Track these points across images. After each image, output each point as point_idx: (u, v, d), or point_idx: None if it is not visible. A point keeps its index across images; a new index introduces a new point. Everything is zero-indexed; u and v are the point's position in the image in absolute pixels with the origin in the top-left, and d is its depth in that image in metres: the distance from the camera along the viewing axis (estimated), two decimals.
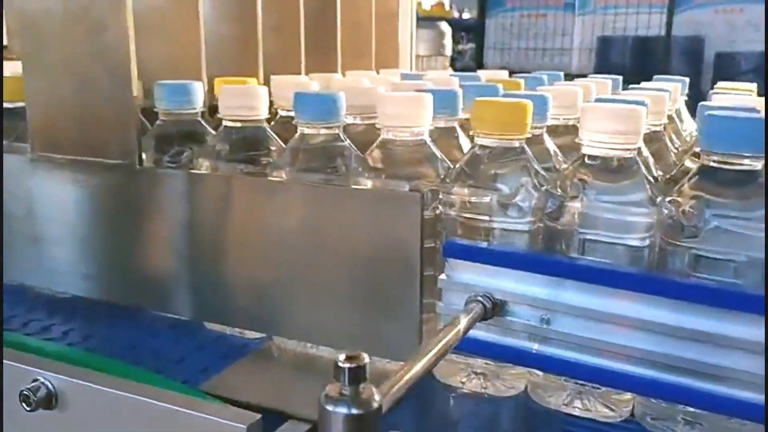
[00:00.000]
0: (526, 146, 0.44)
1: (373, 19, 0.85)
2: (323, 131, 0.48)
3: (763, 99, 0.62)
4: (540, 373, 0.44)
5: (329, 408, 0.26)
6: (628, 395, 0.43)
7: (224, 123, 0.52)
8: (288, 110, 0.56)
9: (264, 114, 0.52)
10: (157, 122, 0.55)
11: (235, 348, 0.52)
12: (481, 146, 0.44)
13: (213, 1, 0.61)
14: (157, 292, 0.54)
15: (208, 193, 0.50)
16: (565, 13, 4.44)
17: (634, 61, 3.93)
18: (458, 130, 0.53)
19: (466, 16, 4.44)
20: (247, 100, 0.51)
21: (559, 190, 0.41)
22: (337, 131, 0.49)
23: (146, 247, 0.54)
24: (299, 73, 0.73)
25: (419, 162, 0.47)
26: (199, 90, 0.55)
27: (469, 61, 4.11)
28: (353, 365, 0.26)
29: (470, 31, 4.29)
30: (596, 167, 0.40)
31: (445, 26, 1.88)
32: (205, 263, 0.52)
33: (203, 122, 0.56)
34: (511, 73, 0.83)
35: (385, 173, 0.47)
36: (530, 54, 4.36)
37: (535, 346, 0.40)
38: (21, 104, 0.63)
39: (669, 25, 3.91)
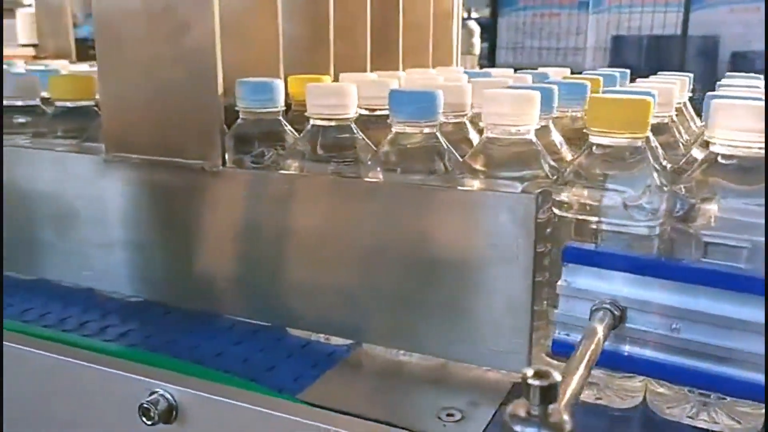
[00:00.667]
0: (645, 145, 0.42)
1: (431, 19, 0.84)
2: (417, 130, 0.47)
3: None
4: (659, 382, 0.42)
5: (517, 429, 0.24)
6: (759, 408, 0.41)
7: (312, 122, 0.50)
8: (369, 108, 0.54)
9: (353, 113, 0.50)
10: (238, 121, 0.53)
11: (322, 356, 0.50)
12: (599, 146, 0.42)
13: (286, 1, 0.59)
14: (240, 298, 0.53)
15: (298, 195, 0.49)
16: (579, 12, 4.41)
17: (648, 60, 3.90)
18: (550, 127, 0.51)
19: (474, 15, 4.42)
20: (338, 99, 0.49)
21: (682, 189, 0.40)
22: (434, 130, 0.47)
23: (228, 251, 0.52)
24: (365, 72, 0.72)
25: (525, 162, 0.45)
26: (281, 88, 0.53)
27: (481, 61, 4.09)
28: (545, 384, 0.24)
29: (482, 31, 4.26)
30: (731, 167, 0.38)
31: (474, 25, 1.86)
32: (291, 268, 0.50)
33: (283, 121, 0.54)
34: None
35: (486, 174, 0.45)
36: (543, 53, 4.34)
37: (663, 356, 0.39)
38: (89, 103, 0.62)
39: (685, 24, 3.88)
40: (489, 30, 4.18)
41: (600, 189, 0.41)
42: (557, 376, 0.24)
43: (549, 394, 0.24)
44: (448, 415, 0.42)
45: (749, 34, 3.75)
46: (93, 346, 0.48)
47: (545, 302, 0.44)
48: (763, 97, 0.51)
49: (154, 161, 0.53)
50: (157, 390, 0.34)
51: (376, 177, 0.47)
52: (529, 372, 0.25)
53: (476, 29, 2.02)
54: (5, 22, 2.75)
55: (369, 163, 0.48)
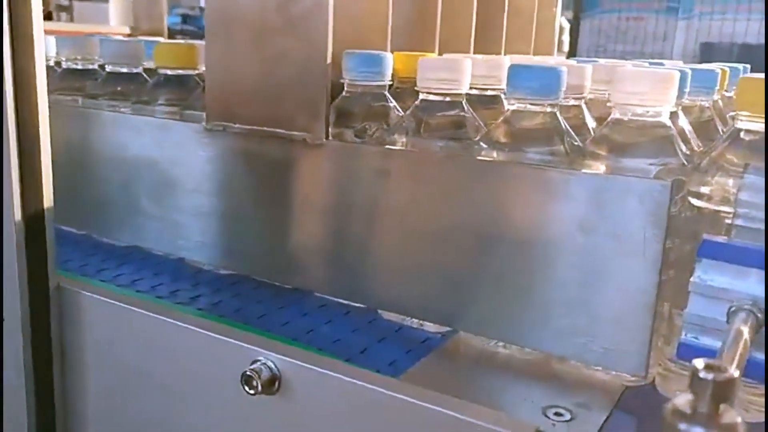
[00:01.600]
0: None
1: (535, 4, 0.80)
2: (539, 109, 0.44)
3: None
4: None
5: (682, 428, 0.21)
6: None
7: (421, 96, 0.48)
8: (478, 87, 0.51)
9: (466, 88, 0.48)
10: (342, 94, 0.52)
11: (416, 341, 0.48)
12: (747, 131, 0.38)
13: None
14: (334, 277, 0.51)
15: (403, 172, 0.46)
16: (666, 17, 4.25)
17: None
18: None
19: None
20: (450, 73, 0.47)
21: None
22: (555, 110, 0.44)
23: (324, 228, 0.51)
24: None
25: (658, 147, 0.41)
26: (390, 62, 0.51)
27: None
28: (721, 378, 0.21)
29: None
30: None
31: (564, 22, 1.81)
32: (389, 248, 0.48)
33: (389, 96, 0.52)
34: None
35: (612, 158, 0.42)
36: (627, 58, 4.20)
37: None
38: (191, 72, 0.62)
39: None
40: (570, 32, 4.07)
41: (751, 181, 0.37)
42: (734, 371, 0.21)
43: (724, 390, 0.21)
44: (556, 414, 0.39)
45: None
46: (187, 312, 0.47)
47: (666, 303, 0.41)
48: None
49: (256, 131, 0.52)
50: (260, 359, 0.33)
51: (490, 156, 0.44)
52: (700, 364, 0.21)
53: (567, 26, 1.96)
54: (99, 5, 2.86)
55: (481, 141, 0.46)
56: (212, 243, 0.56)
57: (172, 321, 0.37)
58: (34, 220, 0.39)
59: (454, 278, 0.45)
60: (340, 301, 0.52)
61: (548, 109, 0.44)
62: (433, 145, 0.47)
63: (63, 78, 0.68)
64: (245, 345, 0.33)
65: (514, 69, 0.44)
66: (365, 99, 0.52)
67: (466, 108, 0.48)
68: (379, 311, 0.51)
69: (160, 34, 1.40)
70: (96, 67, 0.68)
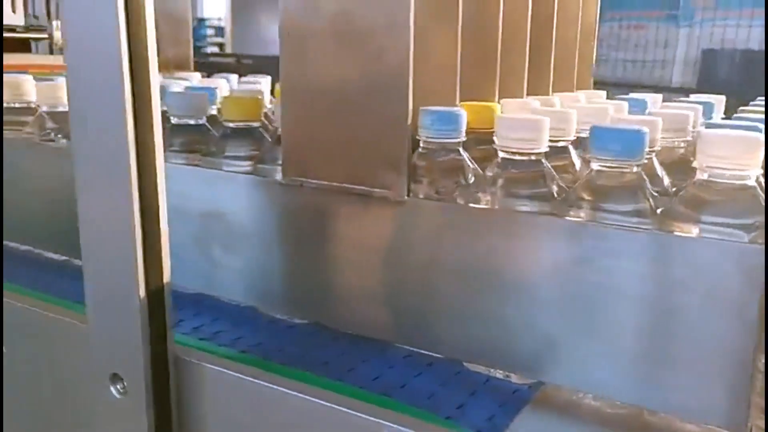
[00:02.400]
0: None
1: (578, 38, 0.82)
2: (625, 170, 0.45)
3: None
4: None
5: None
6: None
7: (501, 155, 0.50)
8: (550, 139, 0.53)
9: (545, 147, 0.49)
10: (419, 150, 0.53)
11: (507, 394, 0.49)
12: None
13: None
14: (416, 328, 0.52)
15: (489, 230, 0.48)
16: (667, 25, 4.28)
17: (741, 76, 3.75)
18: None
19: None
20: (531, 133, 0.48)
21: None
22: (639, 169, 0.46)
23: (404, 281, 0.52)
24: (520, 96, 0.70)
25: (747, 209, 0.42)
26: (465, 118, 0.53)
27: None
28: None
29: None
30: None
31: None
32: (474, 301, 0.49)
33: (462, 151, 0.54)
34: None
35: (701, 219, 0.43)
36: (628, 66, 4.23)
37: None
38: (256, 124, 0.63)
39: None
40: None
41: None
42: None
43: None
44: None
45: None
46: (273, 368, 0.49)
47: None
48: None
49: (334, 188, 0.53)
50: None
51: (577, 216, 0.46)
52: None
53: None
54: None
55: (562, 199, 0.47)
56: (288, 295, 0.57)
57: (294, 393, 0.38)
58: (155, 291, 0.40)
59: (544, 332, 0.46)
60: (421, 351, 0.53)
61: (635, 169, 0.45)
62: (515, 203, 0.48)
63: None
64: (372, 418, 0.35)
65: (597, 131, 0.46)
66: (440, 154, 0.53)
67: (545, 164, 0.50)
68: (463, 363, 0.52)
69: (186, 63, 1.41)
70: None
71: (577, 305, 0.45)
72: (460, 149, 0.54)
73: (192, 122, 0.65)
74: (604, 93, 0.85)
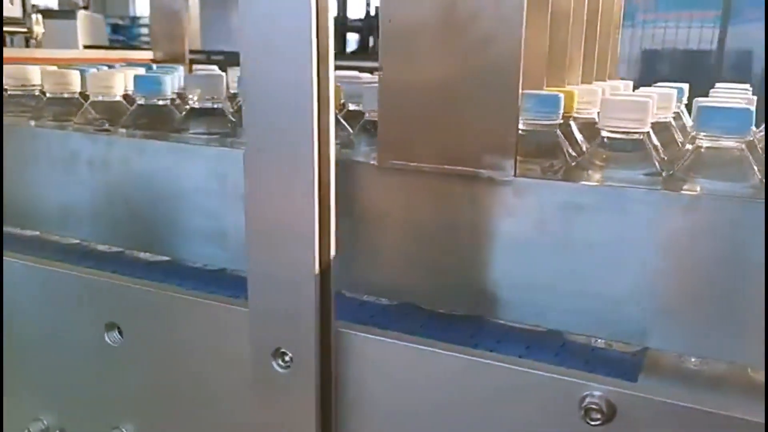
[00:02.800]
0: None
1: (598, 27, 0.86)
2: (733, 145, 0.49)
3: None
4: None
5: None
6: None
7: (605, 134, 0.52)
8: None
9: (648, 127, 0.52)
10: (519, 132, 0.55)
11: (617, 363, 0.52)
12: None
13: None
14: (522, 304, 0.54)
15: (600, 207, 0.50)
16: None
17: (680, 74, 3.94)
18: None
19: None
20: (637, 113, 0.51)
21: None
22: (744, 146, 0.49)
23: (511, 259, 0.54)
24: (575, 84, 0.74)
25: None
26: (562, 101, 0.55)
27: None
28: None
29: None
30: None
31: None
32: (580, 276, 0.52)
33: (559, 133, 0.56)
34: None
35: None
36: None
37: None
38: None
39: (721, 39, 3.93)
40: None
41: None
42: None
43: None
44: None
45: None
46: None
47: None
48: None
49: (436, 170, 0.55)
50: (589, 392, 0.36)
51: (693, 190, 0.49)
52: None
53: None
54: (63, 22, 2.76)
55: (669, 176, 0.50)
56: (384, 276, 0.58)
57: (458, 355, 0.40)
58: (326, 268, 0.41)
59: (658, 300, 0.49)
60: (521, 326, 0.55)
61: (742, 146, 0.49)
62: (622, 180, 0.51)
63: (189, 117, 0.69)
64: (575, 380, 0.37)
65: (702, 109, 0.49)
66: (539, 136, 0.55)
67: (647, 143, 0.53)
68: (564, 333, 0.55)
69: (180, 59, 1.39)
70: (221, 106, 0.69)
71: (691, 274, 0.48)
72: (557, 130, 0.56)
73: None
74: (631, 83, 0.90)
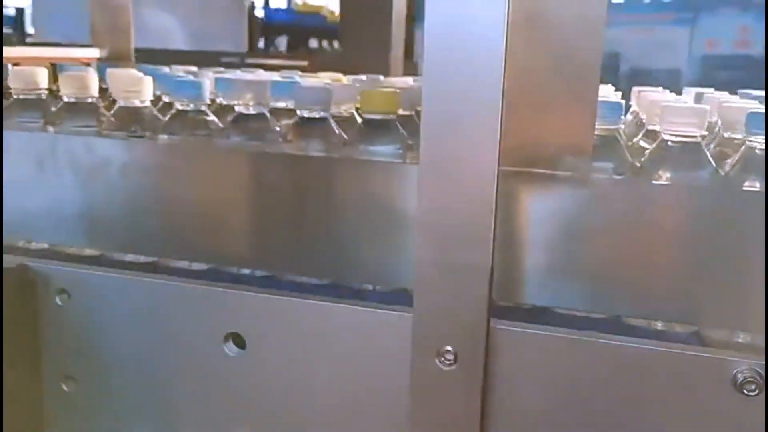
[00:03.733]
0: None
1: None
2: None
3: None
4: None
5: None
6: None
7: (664, 138, 0.59)
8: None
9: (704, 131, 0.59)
10: None
11: None
12: None
13: None
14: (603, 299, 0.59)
15: (669, 205, 0.56)
16: None
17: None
18: None
19: None
20: (697, 119, 0.58)
21: None
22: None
23: (598, 253, 0.58)
24: None
25: None
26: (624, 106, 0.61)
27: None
28: None
29: None
30: None
31: None
32: (664, 269, 0.57)
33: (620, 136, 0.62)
34: None
35: None
36: None
37: None
38: (392, 116, 0.66)
39: None
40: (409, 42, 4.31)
41: None
42: None
43: None
44: None
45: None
46: None
47: None
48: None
49: (512, 172, 0.59)
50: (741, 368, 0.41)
51: (752, 186, 0.56)
52: None
53: None
54: None
55: (726, 174, 0.58)
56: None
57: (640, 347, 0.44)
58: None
59: (736, 289, 0.55)
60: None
61: None
62: (686, 179, 0.58)
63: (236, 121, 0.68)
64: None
65: (753, 115, 0.57)
66: (602, 140, 0.61)
67: (704, 150, 0.59)
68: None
69: (126, 55, 1.33)
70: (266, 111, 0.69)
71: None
72: (617, 135, 0.62)
73: (317, 115, 0.66)
74: None
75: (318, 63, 3.12)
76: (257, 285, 0.64)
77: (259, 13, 4.37)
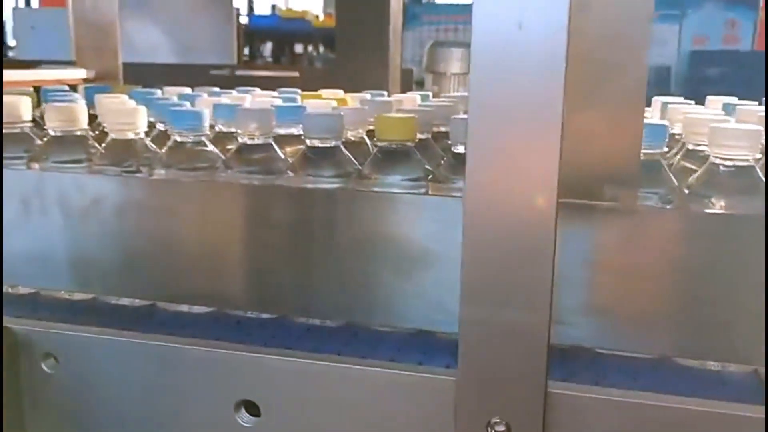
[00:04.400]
0: None
1: None
2: None
3: None
4: None
5: None
6: None
7: (716, 161, 0.54)
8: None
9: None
10: None
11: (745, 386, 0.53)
12: None
13: None
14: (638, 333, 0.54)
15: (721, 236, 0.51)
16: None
17: None
18: None
19: None
20: (748, 142, 0.53)
21: None
22: None
23: (635, 288, 0.54)
24: None
25: None
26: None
27: None
28: None
29: None
30: None
31: None
32: (696, 300, 0.52)
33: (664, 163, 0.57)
34: None
35: None
36: None
37: None
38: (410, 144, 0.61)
39: None
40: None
41: None
42: None
43: None
44: None
45: None
46: None
47: None
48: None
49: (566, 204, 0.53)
50: None
51: None
52: None
53: None
54: None
55: None
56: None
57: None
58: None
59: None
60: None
61: None
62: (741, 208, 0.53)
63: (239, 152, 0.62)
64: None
65: None
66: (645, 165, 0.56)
67: (758, 174, 0.54)
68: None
69: (114, 75, 1.26)
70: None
71: None
72: (661, 159, 0.57)
73: (326, 145, 0.61)
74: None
75: (310, 72, 3.06)
76: (263, 330, 0.59)
77: (244, 20, 4.32)
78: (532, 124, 0.38)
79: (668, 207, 0.54)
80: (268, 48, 4.79)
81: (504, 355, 0.38)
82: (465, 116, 0.62)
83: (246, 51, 4.34)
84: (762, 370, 0.53)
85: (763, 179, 0.55)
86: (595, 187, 0.53)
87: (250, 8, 5.03)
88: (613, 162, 0.53)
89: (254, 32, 4.57)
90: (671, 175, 0.57)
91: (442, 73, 1.97)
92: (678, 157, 0.64)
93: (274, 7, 5.18)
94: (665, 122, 0.57)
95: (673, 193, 0.56)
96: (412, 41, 4.09)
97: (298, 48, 4.81)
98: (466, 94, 1.50)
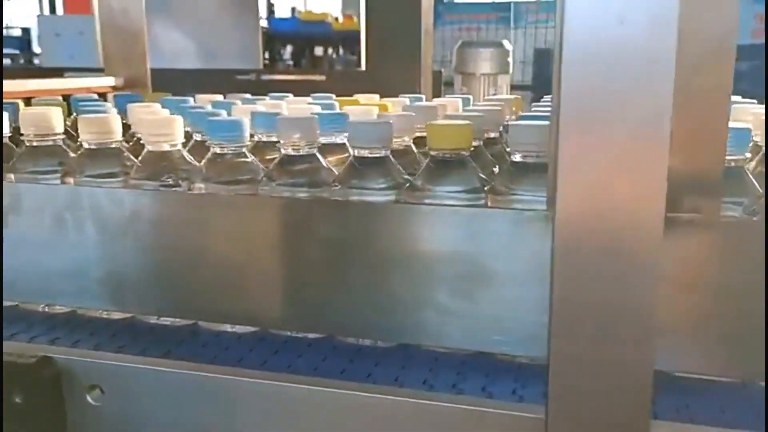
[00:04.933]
0: None
1: None
2: None
3: None
4: None
5: None
6: None
7: None
8: None
9: None
10: None
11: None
12: None
13: None
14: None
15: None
16: (499, 26, 4.61)
17: None
18: None
19: None
20: None
21: None
22: None
23: (711, 304, 0.49)
24: None
25: None
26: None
27: None
28: None
29: None
30: None
31: (507, 44, 1.87)
32: None
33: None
34: None
35: None
36: None
37: None
38: (465, 152, 0.57)
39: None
40: None
41: None
42: None
43: None
44: None
45: None
46: None
47: None
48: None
49: None
50: None
51: None
52: None
53: (510, 48, 1.99)
54: None
55: None
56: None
57: None
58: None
59: None
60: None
61: None
62: None
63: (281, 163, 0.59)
64: None
65: None
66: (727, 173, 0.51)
67: None
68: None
69: (142, 83, 1.24)
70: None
71: None
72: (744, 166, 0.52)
73: (375, 155, 0.57)
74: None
75: (336, 76, 3.03)
76: (314, 352, 0.55)
77: (264, 23, 4.31)
78: (636, 132, 0.34)
79: (754, 219, 0.50)
80: (288, 51, 4.78)
81: (601, 393, 0.34)
82: (524, 122, 0.58)
83: (266, 55, 4.32)
84: None
85: None
86: (675, 197, 0.49)
87: (270, 11, 5.01)
88: (694, 170, 0.48)
89: (274, 36, 4.56)
90: (755, 182, 0.52)
91: (471, 73, 1.92)
92: (754, 162, 0.60)
93: (294, 9, 5.17)
94: (749, 125, 0.52)
95: (757, 203, 0.51)
96: (435, 41, 4.06)
97: (318, 51, 4.79)
98: (503, 96, 1.45)
